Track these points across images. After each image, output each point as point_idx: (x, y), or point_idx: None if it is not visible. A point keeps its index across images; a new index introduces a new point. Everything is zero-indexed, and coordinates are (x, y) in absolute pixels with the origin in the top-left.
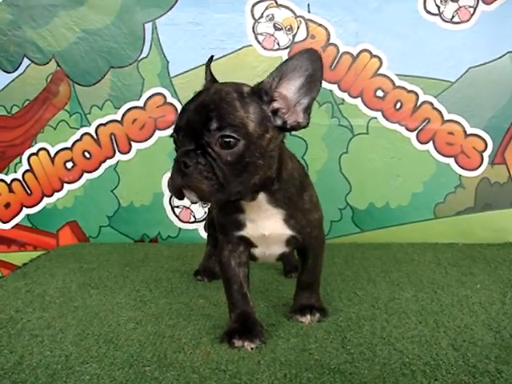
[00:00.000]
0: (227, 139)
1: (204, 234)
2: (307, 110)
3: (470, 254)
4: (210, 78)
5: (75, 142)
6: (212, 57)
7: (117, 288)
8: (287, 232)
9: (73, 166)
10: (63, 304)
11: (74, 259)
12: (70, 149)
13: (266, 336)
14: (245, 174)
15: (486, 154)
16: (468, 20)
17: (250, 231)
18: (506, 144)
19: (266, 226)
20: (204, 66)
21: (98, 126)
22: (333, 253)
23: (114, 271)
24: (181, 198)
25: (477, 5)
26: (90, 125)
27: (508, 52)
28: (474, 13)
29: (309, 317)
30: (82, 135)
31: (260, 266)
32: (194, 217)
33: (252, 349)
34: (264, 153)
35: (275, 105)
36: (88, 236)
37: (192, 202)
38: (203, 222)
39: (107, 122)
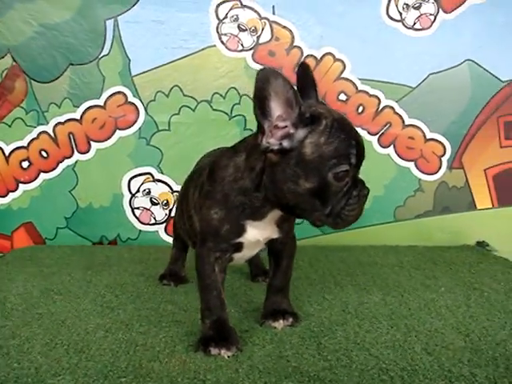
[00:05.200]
0: None
1: (165, 236)
2: None
3: (430, 257)
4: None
5: (32, 140)
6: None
7: (81, 293)
8: (277, 235)
9: (29, 166)
10: (26, 311)
11: (32, 263)
12: (26, 148)
13: (241, 343)
14: None
15: (444, 159)
16: (429, 27)
17: (248, 237)
18: (464, 149)
19: (264, 231)
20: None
21: (56, 124)
22: (297, 255)
23: (76, 275)
24: None
25: (437, 13)
26: (48, 123)
27: (466, 60)
28: (434, 20)
29: (282, 322)
30: (39, 134)
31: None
32: (155, 219)
33: (229, 357)
34: None
35: None
36: (44, 238)
37: None
38: (164, 225)
39: (66, 121)
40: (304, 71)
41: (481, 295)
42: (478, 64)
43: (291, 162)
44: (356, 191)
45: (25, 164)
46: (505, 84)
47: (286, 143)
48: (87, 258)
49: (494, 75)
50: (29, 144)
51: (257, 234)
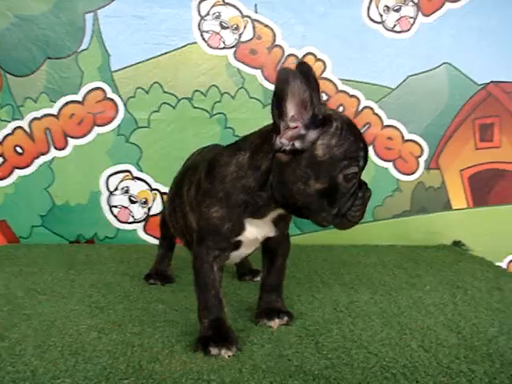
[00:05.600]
0: None
1: (143, 235)
2: None
3: (410, 256)
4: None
5: (6, 136)
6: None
7: (66, 293)
8: (273, 234)
9: (3, 162)
10: (12, 312)
11: (9, 262)
12: (0, 143)
13: (240, 342)
14: None
15: (421, 160)
16: (408, 30)
17: (247, 235)
18: (441, 150)
19: (263, 230)
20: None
21: (32, 119)
22: None
23: (58, 275)
24: None
25: (416, 16)
26: (23, 118)
27: (444, 63)
28: (413, 23)
29: (277, 321)
30: (14, 129)
31: None
32: (133, 217)
33: (229, 356)
34: None
35: None
36: (19, 236)
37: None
38: (142, 223)
39: (42, 116)
40: (307, 72)
41: (465, 293)
42: (454, 67)
43: (302, 163)
44: (361, 192)
45: None
46: (480, 87)
47: (297, 144)
48: (66, 257)
49: (470, 78)
50: (3, 139)
51: (255, 232)
